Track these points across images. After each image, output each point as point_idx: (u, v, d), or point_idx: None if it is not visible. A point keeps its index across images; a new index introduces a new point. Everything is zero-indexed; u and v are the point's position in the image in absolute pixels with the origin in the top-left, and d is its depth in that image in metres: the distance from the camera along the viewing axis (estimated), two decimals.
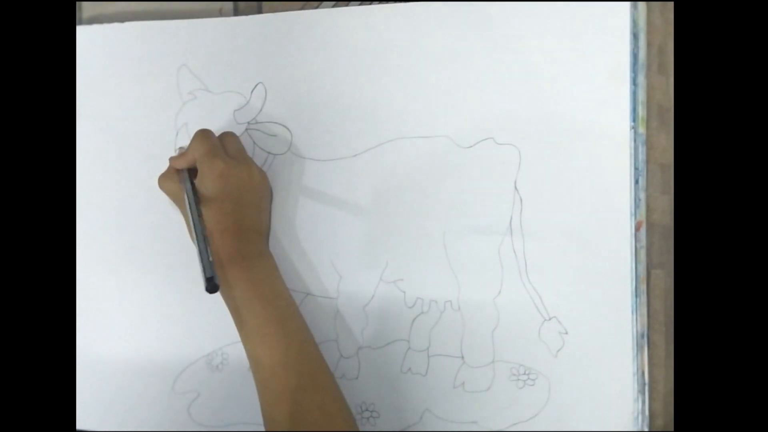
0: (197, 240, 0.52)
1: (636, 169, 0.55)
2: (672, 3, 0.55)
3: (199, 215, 0.54)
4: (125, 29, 0.63)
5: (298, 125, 0.61)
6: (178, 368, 0.62)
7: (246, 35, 0.61)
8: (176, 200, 0.58)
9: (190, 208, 0.54)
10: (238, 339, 0.60)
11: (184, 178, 0.56)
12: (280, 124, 0.61)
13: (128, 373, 0.63)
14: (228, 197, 0.55)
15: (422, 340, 0.59)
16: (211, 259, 0.51)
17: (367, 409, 0.60)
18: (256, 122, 0.61)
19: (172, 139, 0.63)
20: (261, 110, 0.61)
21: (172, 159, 0.58)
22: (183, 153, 0.58)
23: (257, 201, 0.58)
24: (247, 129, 0.61)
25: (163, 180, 0.58)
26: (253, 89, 0.61)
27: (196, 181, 0.56)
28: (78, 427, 0.62)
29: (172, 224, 0.62)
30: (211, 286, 0.49)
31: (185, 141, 0.61)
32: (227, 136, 0.58)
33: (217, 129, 0.61)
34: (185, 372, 0.62)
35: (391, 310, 0.59)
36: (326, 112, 0.60)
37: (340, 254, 0.60)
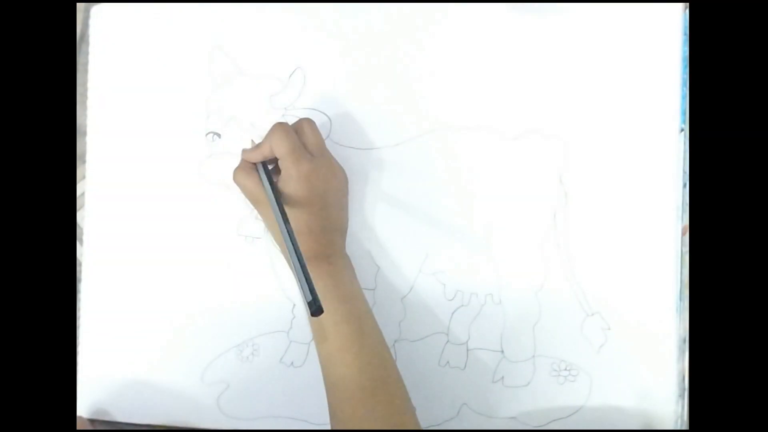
0: (293, 259, 0.48)
1: (684, 172, 0.55)
2: None
3: (286, 223, 0.50)
4: (158, 9, 0.61)
5: (338, 113, 0.59)
6: (207, 359, 0.60)
7: (285, 18, 0.60)
8: (252, 198, 0.55)
9: (277, 218, 0.50)
10: (270, 330, 0.60)
11: (264, 177, 0.53)
12: (319, 111, 0.59)
13: (157, 364, 0.61)
14: (315, 198, 0.53)
15: (461, 333, 0.58)
16: (311, 280, 0.47)
17: None
18: (294, 108, 0.60)
19: (203, 122, 0.61)
20: (299, 96, 0.60)
21: (245, 152, 0.55)
22: (258, 146, 0.54)
23: (340, 199, 0.57)
24: (284, 115, 0.60)
25: (240, 175, 0.55)
26: (292, 74, 0.60)
27: (280, 183, 0.53)
28: (106, 418, 0.60)
29: (205, 207, 0.60)
30: (315, 309, 0.45)
31: (217, 125, 0.60)
32: (306, 127, 0.55)
33: (253, 112, 0.60)
34: (215, 363, 0.60)
35: (430, 303, 0.59)
36: (367, 100, 0.59)
37: (378, 244, 0.59)
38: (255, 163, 0.55)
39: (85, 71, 0.61)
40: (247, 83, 0.60)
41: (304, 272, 0.47)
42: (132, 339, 0.61)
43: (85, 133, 0.61)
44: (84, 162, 0.61)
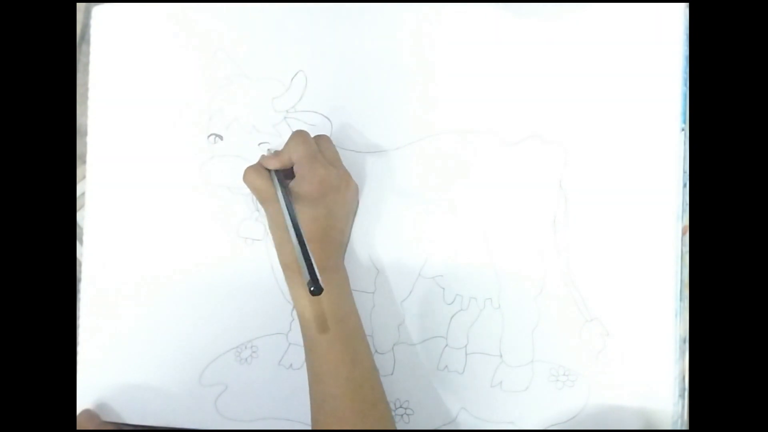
0: (297, 243, 0.48)
1: (684, 172, 0.55)
2: None
3: (294, 218, 0.50)
4: (160, 9, 0.61)
5: (339, 116, 0.59)
6: (205, 360, 0.60)
7: (288, 22, 0.60)
8: (261, 197, 0.55)
9: (287, 211, 0.50)
10: (269, 332, 0.60)
11: (276, 179, 0.54)
12: (320, 113, 0.60)
13: (156, 365, 0.60)
14: (322, 205, 0.53)
15: (460, 337, 0.58)
16: (313, 261, 0.46)
17: (401, 406, 0.58)
18: (296, 111, 0.60)
19: (205, 124, 0.61)
20: (301, 99, 0.60)
21: (263, 158, 0.56)
22: (277, 154, 0.55)
23: (347, 214, 0.57)
24: (285, 117, 0.60)
25: (251, 174, 0.55)
26: (294, 77, 0.60)
27: (293, 184, 0.53)
28: (104, 418, 0.60)
29: (206, 208, 0.60)
30: (317, 289, 0.45)
31: (219, 127, 0.60)
32: (324, 141, 0.56)
33: (254, 115, 0.60)
34: (213, 364, 0.60)
35: (429, 307, 0.58)
36: (368, 103, 0.59)
37: (378, 248, 0.59)
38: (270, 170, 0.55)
39: (86, 71, 0.61)
40: (249, 85, 0.61)
41: (305, 254, 0.47)
42: (131, 340, 0.61)
43: (85, 133, 0.61)
44: (84, 162, 0.61)
